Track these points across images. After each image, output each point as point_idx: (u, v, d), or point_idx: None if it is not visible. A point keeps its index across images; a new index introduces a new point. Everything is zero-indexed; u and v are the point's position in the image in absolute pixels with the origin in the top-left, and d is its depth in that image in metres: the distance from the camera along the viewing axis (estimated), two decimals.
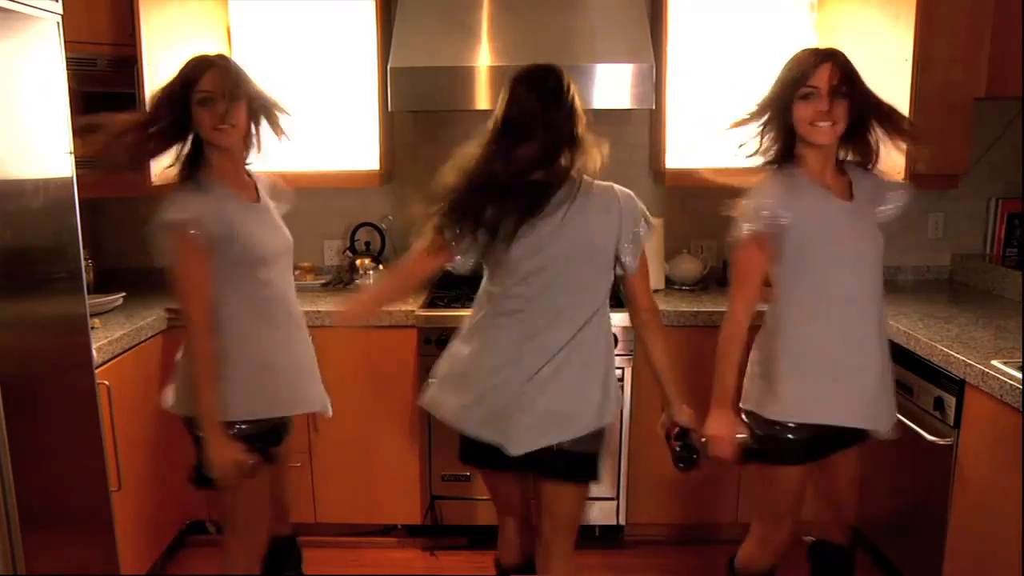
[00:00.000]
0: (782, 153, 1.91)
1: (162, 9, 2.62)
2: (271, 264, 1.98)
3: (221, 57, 1.92)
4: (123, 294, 2.82)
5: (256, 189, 2.05)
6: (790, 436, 1.94)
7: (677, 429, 2.03)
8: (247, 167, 2.05)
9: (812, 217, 1.87)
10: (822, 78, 1.80)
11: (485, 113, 2.72)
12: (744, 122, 1.94)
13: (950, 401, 2.19)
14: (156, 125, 1.87)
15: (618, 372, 2.72)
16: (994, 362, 2.07)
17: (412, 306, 2.87)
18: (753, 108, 1.92)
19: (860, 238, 1.91)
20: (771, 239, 1.88)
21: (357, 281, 3.18)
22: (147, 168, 2.55)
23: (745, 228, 1.88)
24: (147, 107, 2.01)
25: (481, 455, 1.97)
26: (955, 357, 2.17)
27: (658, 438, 2.88)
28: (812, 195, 1.89)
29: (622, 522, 2.94)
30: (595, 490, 2.87)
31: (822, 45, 2.94)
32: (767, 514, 2.10)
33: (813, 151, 1.88)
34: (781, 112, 1.87)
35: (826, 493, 2.15)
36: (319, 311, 2.80)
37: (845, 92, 1.81)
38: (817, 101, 1.81)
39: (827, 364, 1.92)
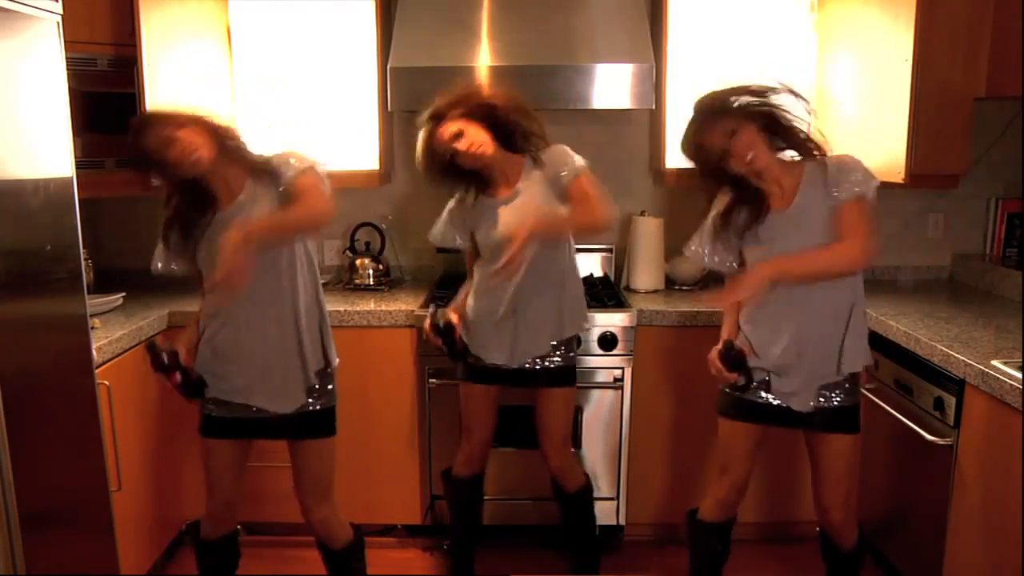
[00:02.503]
0: None
1: (162, 9, 2.62)
2: None
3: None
4: (123, 294, 2.82)
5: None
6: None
7: None
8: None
9: None
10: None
11: None
12: None
13: (950, 401, 2.19)
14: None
15: (617, 372, 2.76)
16: (994, 362, 2.07)
17: (412, 306, 2.86)
18: None
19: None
20: None
21: (357, 281, 3.19)
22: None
23: None
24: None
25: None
26: (955, 357, 2.17)
27: (658, 438, 2.89)
28: None
29: (622, 522, 2.94)
30: (595, 490, 2.88)
31: (820, 46, 2.96)
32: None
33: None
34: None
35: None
36: None
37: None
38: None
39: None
